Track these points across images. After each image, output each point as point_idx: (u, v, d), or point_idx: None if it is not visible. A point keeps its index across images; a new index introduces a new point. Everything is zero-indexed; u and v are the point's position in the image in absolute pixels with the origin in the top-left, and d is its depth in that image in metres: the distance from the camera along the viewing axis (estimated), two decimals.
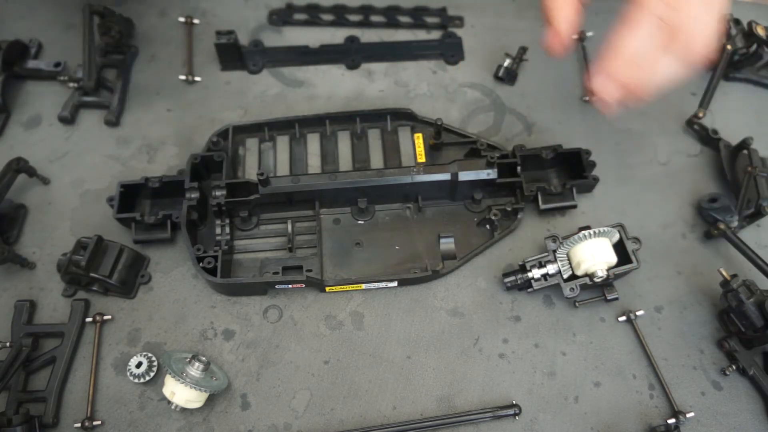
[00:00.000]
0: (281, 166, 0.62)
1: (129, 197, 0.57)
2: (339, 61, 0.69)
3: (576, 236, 0.51)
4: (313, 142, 0.63)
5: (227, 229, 0.56)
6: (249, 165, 0.62)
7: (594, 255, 0.51)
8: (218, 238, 0.56)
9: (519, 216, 0.59)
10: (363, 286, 0.55)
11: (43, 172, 0.61)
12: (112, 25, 0.66)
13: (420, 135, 0.63)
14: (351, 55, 0.69)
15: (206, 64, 0.68)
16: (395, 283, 0.56)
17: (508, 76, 0.68)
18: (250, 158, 0.62)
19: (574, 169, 0.60)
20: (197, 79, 0.67)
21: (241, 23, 0.71)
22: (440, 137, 0.62)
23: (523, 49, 0.68)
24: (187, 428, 0.50)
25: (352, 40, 0.70)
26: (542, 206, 0.59)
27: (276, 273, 0.54)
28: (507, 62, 0.68)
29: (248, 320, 0.55)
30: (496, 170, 0.57)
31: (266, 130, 0.63)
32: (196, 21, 0.71)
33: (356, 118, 0.63)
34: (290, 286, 0.55)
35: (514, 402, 0.51)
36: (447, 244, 0.57)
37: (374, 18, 0.72)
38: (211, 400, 0.51)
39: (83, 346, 0.54)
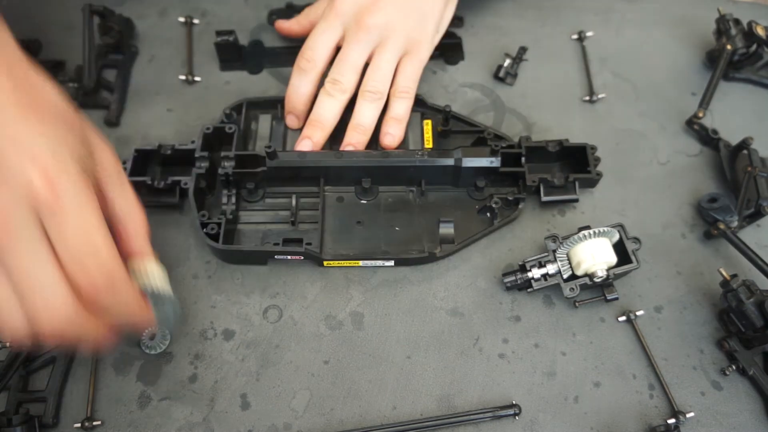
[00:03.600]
0: (291, 143, 0.63)
1: (142, 163, 0.59)
2: None
3: (576, 236, 0.51)
4: None
5: (233, 200, 0.58)
6: (260, 139, 0.63)
7: (594, 255, 0.51)
8: (224, 207, 0.57)
9: (520, 206, 0.59)
10: (360, 262, 0.56)
11: None
12: (112, 25, 0.66)
13: (429, 121, 0.64)
14: None
15: (206, 64, 0.69)
16: (392, 263, 0.57)
17: (508, 76, 0.68)
18: (262, 133, 0.63)
19: (578, 164, 0.60)
20: (197, 79, 0.68)
21: (241, 23, 0.71)
22: (448, 124, 0.62)
23: (523, 49, 0.69)
24: (187, 428, 0.50)
25: None
26: (543, 198, 0.59)
27: (276, 244, 0.55)
28: (507, 62, 0.68)
29: (248, 320, 0.55)
30: (500, 159, 0.58)
31: (279, 107, 0.64)
32: (196, 21, 0.71)
33: None
34: (289, 257, 0.56)
35: (514, 402, 0.51)
36: (446, 228, 0.57)
37: None
38: (211, 400, 0.51)
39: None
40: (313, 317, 0.55)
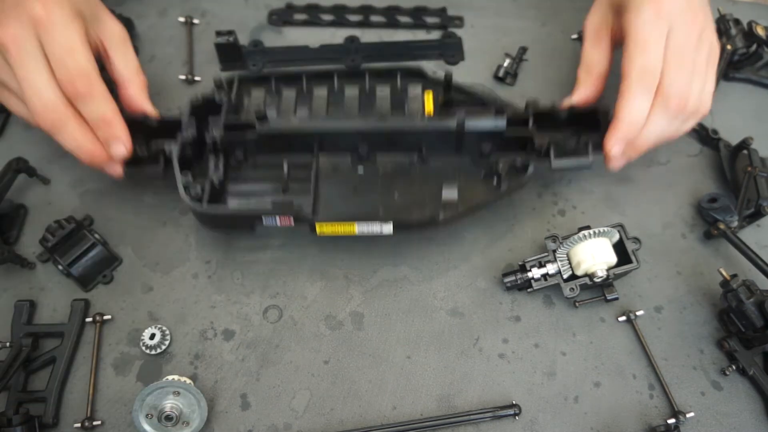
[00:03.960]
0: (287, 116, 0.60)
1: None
2: (339, 61, 0.69)
3: (576, 236, 0.51)
4: (320, 96, 0.61)
5: (221, 167, 0.54)
6: (253, 114, 0.58)
7: (594, 255, 0.51)
8: (211, 175, 0.53)
9: (529, 171, 0.54)
10: (356, 227, 0.52)
11: (43, 172, 0.61)
12: None
13: (430, 92, 0.61)
14: (351, 55, 0.69)
15: (206, 64, 0.68)
16: (390, 227, 0.52)
17: (508, 76, 0.68)
18: (255, 107, 0.60)
19: (592, 128, 0.56)
20: (197, 78, 0.67)
21: (241, 23, 0.71)
22: (450, 93, 0.59)
23: (523, 49, 0.68)
24: None
25: (352, 40, 0.70)
26: (554, 163, 0.54)
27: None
28: (507, 62, 0.68)
29: (248, 320, 0.55)
30: (505, 119, 0.54)
31: (273, 82, 0.61)
32: (196, 21, 0.71)
33: (365, 74, 0.61)
34: (278, 222, 0.52)
35: (514, 402, 0.51)
36: (450, 192, 0.53)
37: (374, 18, 0.72)
38: (211, 400, 0.51)
39: (83, 346, 0.54)
40: (313, 317, 0.55)
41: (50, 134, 0.51)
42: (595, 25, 0.59)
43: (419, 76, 0.61)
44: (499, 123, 0.54)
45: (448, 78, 0.57)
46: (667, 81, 0.52)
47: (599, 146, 0.55)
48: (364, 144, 0.55)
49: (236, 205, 0.54)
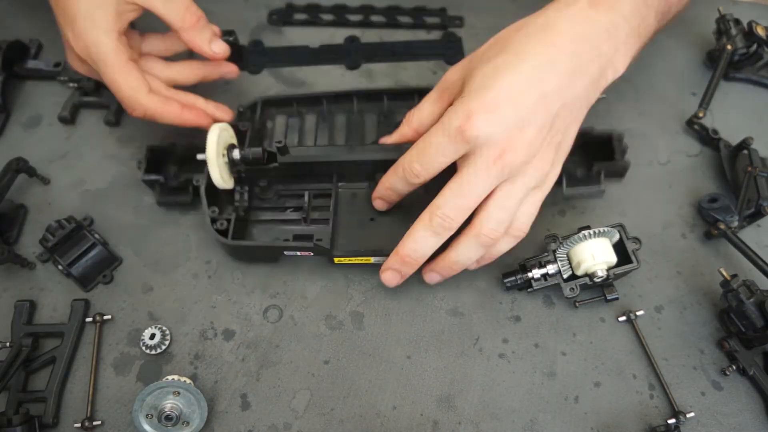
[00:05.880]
0: (308, 141, 0.62)
1: (155, 161, 0.58)
2: (339, 61, 0.69)
3: (576, 236, 0.51)
4: (340, 119, 0.64)
5: (245, 197, 0.57)
6: (276, 138, 0.62)
7: (594, 255, 0.51)
8: (236, 204, 0.56)
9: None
10: (372, 259, 0.55)
11: (43, 172, 0.61)
12: None
13: None
14: (351, 55, 0.69)
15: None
16: None
17: None
18: (278, 132, 0.63)
19: (602, 155, 0.57)
20: None
21: (241, 23, 0.71)
22: None
23: None
24: None
25: (352, 40, 0.70)
26: (566, 191, 0.56)
27: (287, 240, 0.55)
28: None
29: (248, 320, 0.55)
30: None
31: (295, 105, 0.63)
32: None
33: (383, 96, 0.63)
34: (299, 253, 0.55)
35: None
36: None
37: (374, 18, 0.72)
38: (210, 400, 0.51)
39: (83, 346, 0.54)
40: (313, 317, 0.55)
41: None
42: (447, 84, 0.53)
43: None
44: None
45: None
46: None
47: (612, 174, 0.56)
48: (381, 173, 0.56)
49: (260, 237, 0.57)
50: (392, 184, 0.52)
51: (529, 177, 0.48)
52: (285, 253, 0.55)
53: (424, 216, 0.49)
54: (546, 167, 0.49)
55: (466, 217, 0.48)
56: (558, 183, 0.55)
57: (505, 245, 0.51)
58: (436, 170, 0.49)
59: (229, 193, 0.57)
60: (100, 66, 0.53)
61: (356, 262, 0.56)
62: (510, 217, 0.49)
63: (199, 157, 0.52)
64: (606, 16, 0.48)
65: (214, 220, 0.54)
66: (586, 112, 0.51)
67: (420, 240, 0.49)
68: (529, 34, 0.48)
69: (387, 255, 0.54)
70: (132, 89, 0.54)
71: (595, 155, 0.58)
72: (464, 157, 0.47)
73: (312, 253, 0.55)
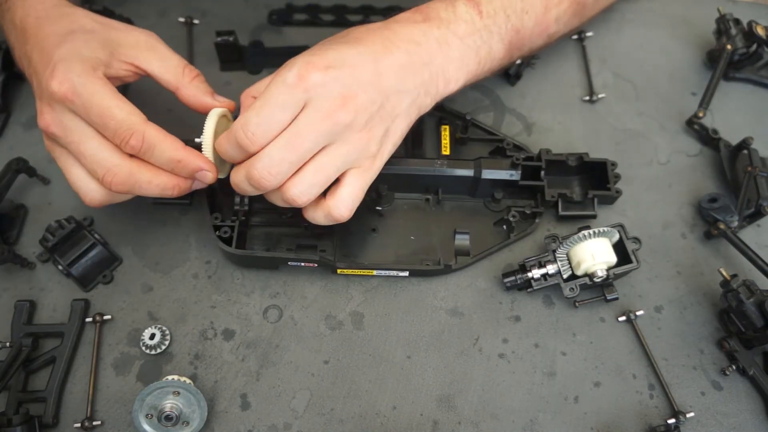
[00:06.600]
0: None
1: None
2: None
3: (576, 236, 0.51)
4: None
5: (246, 200, 0.56)
6: None
7: (594, 255, 0.51)
8: (236, 208, 0.55)
9: (537, 220, 0.58)
10: (375, 272, 0.55)
11: (43, 172, 0.61)
12: None
13: (447, 127, 0.63)
14: None
15: (206, 64, 0.68)
16: (406, 273, 0.56)
17: (511, 77, 0.67)
18: None
19: (597, 179, 0.60)
20: None
21: (241, 23, 0.71)
22: (467, 132, 0.61)
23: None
24: None
25: None
26: (561, 212, 0.58)
27: (290, 249, 0.55)
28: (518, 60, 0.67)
29: (248, 320, 0.55)
30: (519, 172, 0.57)
31: None
32: (196, 21, 0.71)
33: None
34: (302, 264, 0.55)
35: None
36: (462, 240, 0.57)
37: (374, 18, 0.72)
38: (210, 400, 0.51)
39: (83, 346, 0.54)
40: (313, 317, 0.55)
41: (129, 193, 0.50)
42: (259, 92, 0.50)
43: (436, 108, 0.61)
44: (514, 175, 0.58)
45: (468, 119, 0.60)
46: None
47: (605, 200, 0.59)
48: (383, 185, 0.58)
49: (260, 242, 0.57)
50: (225, 150, 0.48)
51: (353, 147, 0.47)
52: (289, 263, 0.55)
53: (247, 164, 0.47)
54: (372, 147, 0.48)
55: (291, 172, 0.47)
56: (554, 205, 0.58)
57: (321, 217, 0.50)
58: (275, 130, 0.46)
59: (229, 196, 0.57)
60: (90, 98, 0.47)
61: (359, 274, 0.56)
62: (321, 186, 0.48)
63: (197, 140, 0.51)
64: (438, 30, 0.51)
65: (217, 227, 0.54)
66: (415, 119, 0.52)
67: (241, 185, 0.49)
68: (370, 29, 0.51)
69: (389, 269, 0.55)
70: (128, 113, 0.48)
71: (591, 180, 0.60)
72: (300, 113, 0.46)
73: (316, 265, 0.55)
